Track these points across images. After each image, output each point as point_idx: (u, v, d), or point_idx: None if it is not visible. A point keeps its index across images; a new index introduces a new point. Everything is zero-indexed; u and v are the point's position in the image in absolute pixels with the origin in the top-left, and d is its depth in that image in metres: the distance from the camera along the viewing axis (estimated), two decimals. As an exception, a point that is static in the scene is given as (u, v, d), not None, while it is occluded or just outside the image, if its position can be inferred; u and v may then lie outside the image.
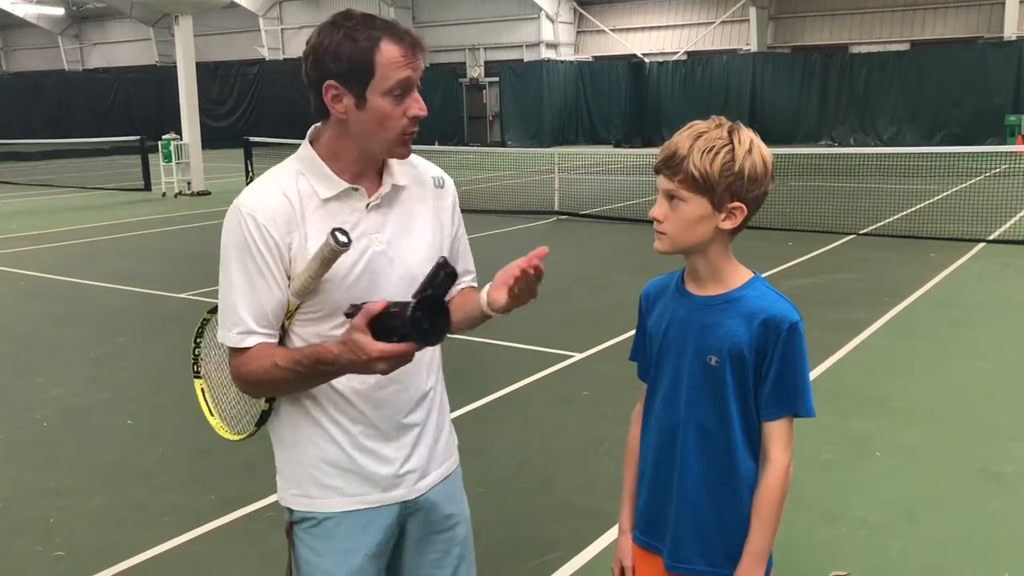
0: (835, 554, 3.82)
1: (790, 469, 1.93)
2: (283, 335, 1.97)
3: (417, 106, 1.89)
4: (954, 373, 6.26)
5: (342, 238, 1.75)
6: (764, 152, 1.89)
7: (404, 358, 1.73)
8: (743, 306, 1.92)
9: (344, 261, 1.86)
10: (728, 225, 1.90)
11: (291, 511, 2.06)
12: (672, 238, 1.93)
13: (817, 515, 4.14)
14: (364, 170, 1.97)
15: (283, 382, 1.90)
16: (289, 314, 1.94)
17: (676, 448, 2.00)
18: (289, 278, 1.90)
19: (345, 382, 1.95)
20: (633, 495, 2.13)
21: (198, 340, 2.31)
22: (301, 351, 1.86)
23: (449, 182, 2.16)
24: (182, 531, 4.11)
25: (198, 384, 2.30)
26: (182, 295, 9.14)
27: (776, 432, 1.92)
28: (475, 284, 2.18)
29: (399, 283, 1.95)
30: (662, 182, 1.92)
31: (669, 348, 2.01)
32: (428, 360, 2.08)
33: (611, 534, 3.94)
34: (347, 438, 1.99)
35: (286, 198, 1.90)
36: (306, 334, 1.95)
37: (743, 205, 1.88)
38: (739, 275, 1.97)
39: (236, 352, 1.93)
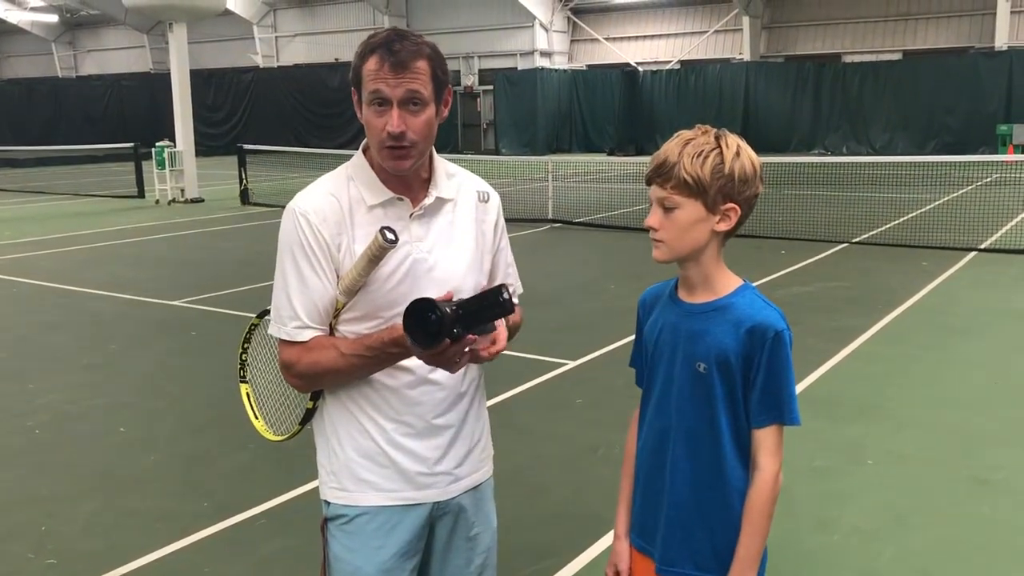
0: (827, 561, 3.83)
1: (780, 477, 1.94)
2: (330, 334, 2.08)
3: (391, 123, 1.93)
4: (946, 381, 6.28)
5: (390, 236, 1.88)
6: (751, 155, 1.94)
7: (441, 355, 1.81)
8: (731, 314, 1.94)
9: (386, 266, 1.99)
10: (723, 227, 1.93)
11: (327, 505, 2.13)
12: (670, 245, 1.95)
13: (809, 522, 4.16)
14: (409, 181, 2.06)
15: (347, 369, 1.98)
16: (336, 312, 2.04)
17: (667, 453, 2.02)
18: (338, 277, 2.01)
19: (380, 378, 2.03)
20: (629, 499, 2.15)
21: (245, 345, 2.39)
22: (370, 336, 1.97)
23: (495, 197, 2.23)
24: (175, 538, 4.10)
25: (244, 389, 2.37)
26: (175, 302, 9.13)
27: (765, 440, 1.93)
28: (515, 301, 2.18)
29: (437, 291, 2.00)
30: (654, 191, 1.95)
31: (661, 355, 2.04)
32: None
33: (605, 540, 3.95)
34: (382, 434, 2.06)
35: (336, 201, 2.03)
36: (349, 334, 2.04)
37: (736, 206, 1.92)
38: (729, 283, 1.99)
39: (291, 345, 2.03)
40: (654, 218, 1.96)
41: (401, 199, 2.05)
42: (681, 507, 1.99)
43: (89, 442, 5.40)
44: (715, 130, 1.95)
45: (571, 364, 6.72)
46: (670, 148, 1.93)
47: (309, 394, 2.13)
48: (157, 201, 18.95)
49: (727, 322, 1.93)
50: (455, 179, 2.16)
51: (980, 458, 4.88)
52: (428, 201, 2.07)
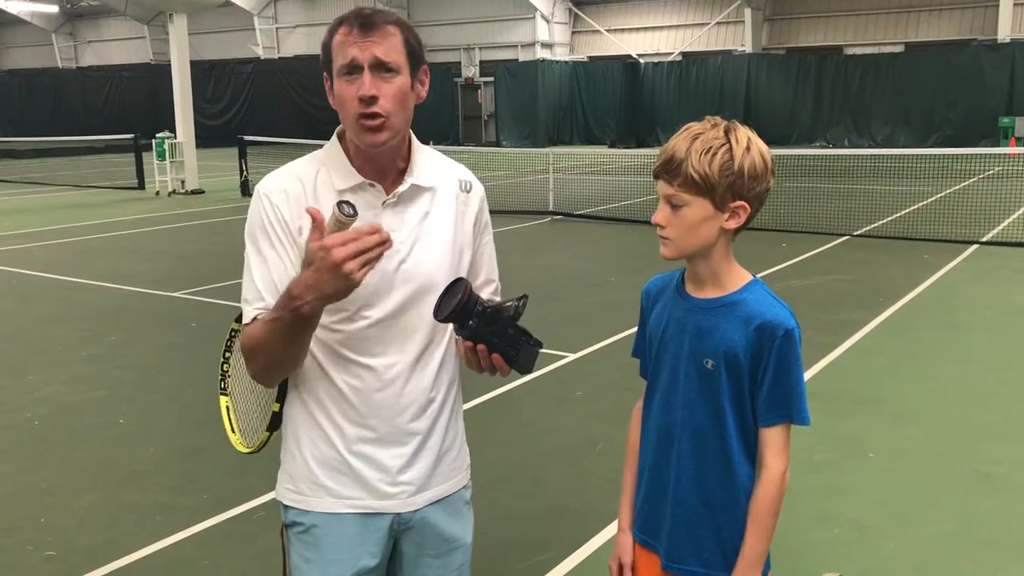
0: (828, 555, 3.82)
1: (786, 475, 1.92)
2: None
3: (362, 87, 1.84)
4: (947, 374, 6.27)
5: (347, 209, 1.72)
6: (762, 148, 1.88)
7: (368, 249, 1.67)
8: (740, 310, 1.91)
9: None
10: (732, 224, 1.89)
11: (285, 509, 2.04)
12: (677, 243, 1.90)
13: (810, 516, 4.15)
14: (383, 167, 1.96)
15: (267, 338, 1.81)
16: None
17: (672, 449, 1.99)
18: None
19: (345, 379, 1.94)
20: (632, 493, 2.12)
21: (227, 354, 2.25)
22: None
23: (477, 187, 2.11)
24: (174, 531, 4.09)
25: (224, 401, 2.24)
26: (175, 294, 9.12)
27: (772, 438, 1.91)
28: (497, 296, 2.13)
29: (408, 284, 1.93)
30: (662, 188, 1.90)
31: (666, 349, 2.00)
32: (434, 368, 2.01)
33: (604, 535, 3.94)
34: (342, 439, 1.96)
35: (300, 182, 1.95)
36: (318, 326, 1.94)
37: (746, 204, 1.87)
38: (738, 278, 1.95)
39: (243, 334, 1.92)
40: (661, 215, 1.91)
41: (373, 185, 1.94)
42: (686, 504, 1.97)
43: (88, 435, 5.39)
44: (725, 123, 1.88)
45: (571, 357, 6.71)
46: (678, 143, 1.87)
47: (275, 397, 2.03)
48: (157, 192, 18.92)
49: (736, 319, 1.90)
50: (435, 167, 2.04)
51: (981, 452, 4.86)
52: (402, 188, 1.95)
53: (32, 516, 4.29)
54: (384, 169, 1.97)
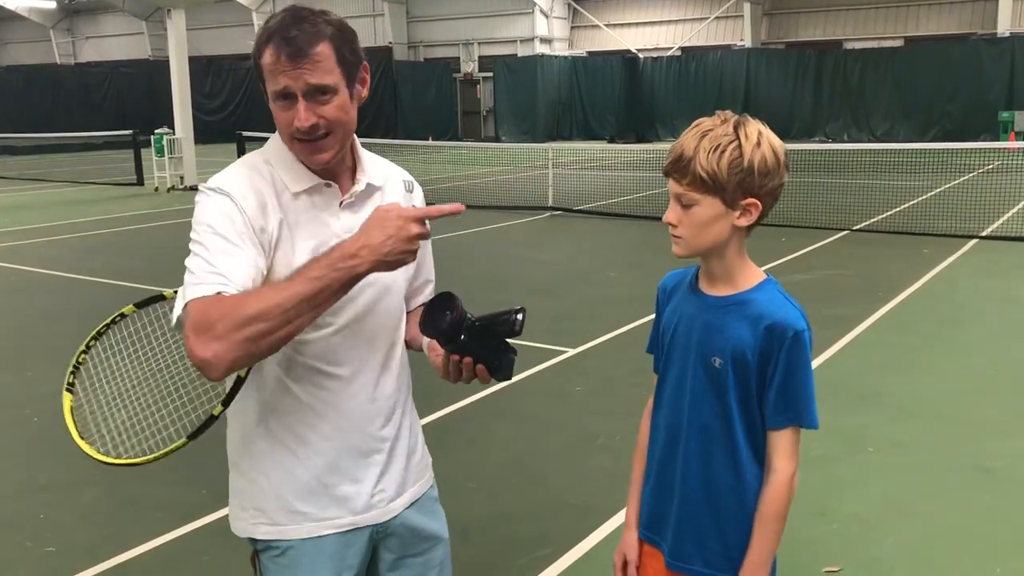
0: (827, 550, 3.82)
1: (795, 479, 1.88)
2: None
3: (298, 118, 1.76)
4: (946, 369, 6.27)
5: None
6: (774, 143, 1.85)
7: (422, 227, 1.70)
8: (751, 309, 1.88)
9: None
10: (744, 222, 1.85)
11: (253, 540, 1.97)
12: (688, 242, 1.87)
13: (809, 511, 4.14)
14: (335, 166, 1.89)
15: (294, 302, 1.64)
16: None
17: (679, 447, 1.96)
18: (269, 262, 1.80)
19: (311, 392, 1.88)
20: (641, 490, 2.10)
21: (92, 343, 2.07)
22: (305, 265, 1.69)
23: (418, 188, 2.10)
24: (173, 526, 4.09)
25: (68, 400, 2.04)
26: (174, 290, 9.09)
27: (780, 441, 1.88)
28: (431, 295, 2.09)
29: (370, 288, 1.88)
30: (672, 186, 1.86)
31: (676, 345, 1.98)
32: (396, 372, 2.00)
33: (603, 530, 3.94)
34: (316, 458, 1.90)
35: (259, 178, 1.85)
36: None
37: (757, 201, 1.84)
38: (751, 276, 1.93)
39: (207, 303, 1.67)
40: (672, 214, 1.87)
41: (329, 185, 1.88)
42: (692, 503, 1.94)
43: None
44: (735, 118, 1.84)
45: (571, 352, 6.71)
46: (687, 141, 1.83)
47: (200, 401, 1.90)
48: (156, 188, 18.91)
49: (745, 317, 1.87)
50: (379, 166, 2.02)
51: (981, 446, 4.86)
52: (359, 188, 1.90)
53: (32, 512, 4.28)
54: (335, 169, 1.90)
